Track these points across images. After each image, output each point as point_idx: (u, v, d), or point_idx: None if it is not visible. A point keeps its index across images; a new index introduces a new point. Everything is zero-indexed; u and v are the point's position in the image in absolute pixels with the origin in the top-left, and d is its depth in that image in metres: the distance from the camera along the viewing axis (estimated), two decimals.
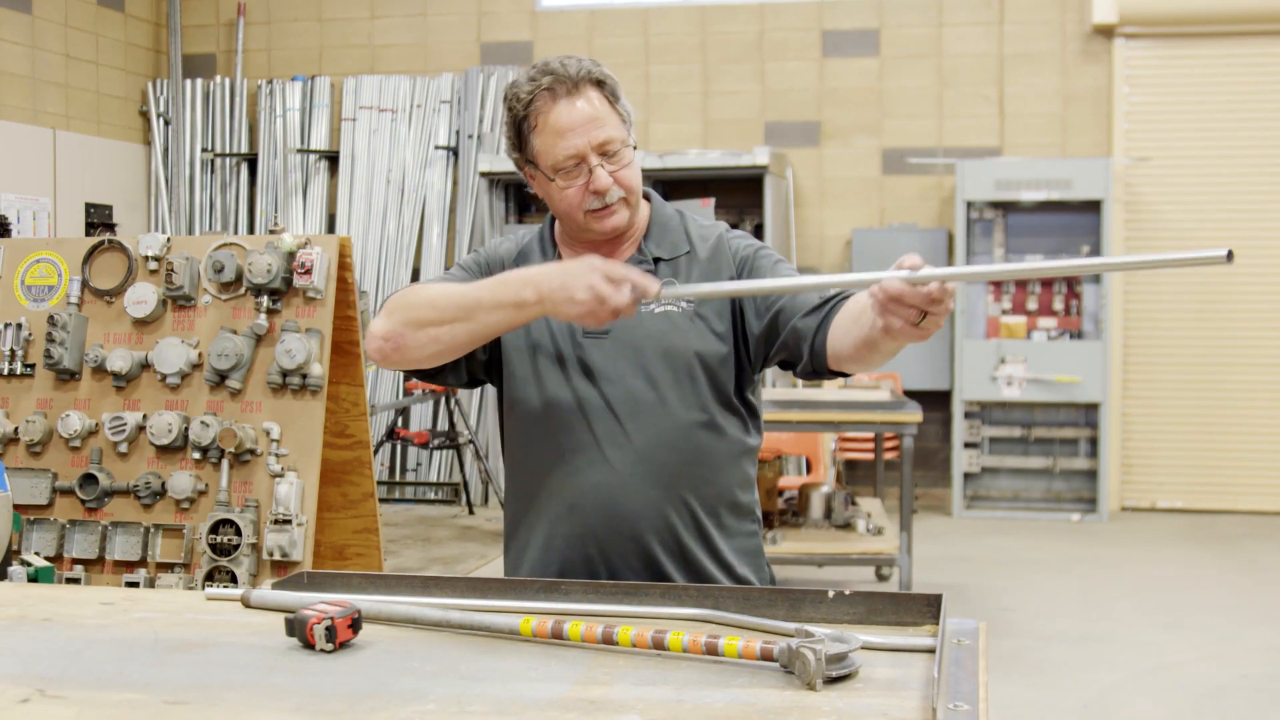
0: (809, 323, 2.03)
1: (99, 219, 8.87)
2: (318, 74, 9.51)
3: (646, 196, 2.22)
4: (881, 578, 6.37)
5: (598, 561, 2.10)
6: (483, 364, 2.20)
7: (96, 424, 3.30)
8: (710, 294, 2.02)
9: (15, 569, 2.83)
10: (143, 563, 3.24)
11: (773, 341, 2.10)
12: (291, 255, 3.23)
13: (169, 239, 3.36)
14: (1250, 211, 8.38)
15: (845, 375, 2.07)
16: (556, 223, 2.24)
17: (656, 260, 2.15)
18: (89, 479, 3.26)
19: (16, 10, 8.26)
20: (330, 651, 1.65)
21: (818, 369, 2.05)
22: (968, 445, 8.30)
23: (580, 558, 2.10)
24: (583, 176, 2.06)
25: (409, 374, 2.21)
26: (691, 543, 2.12)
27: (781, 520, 6.01)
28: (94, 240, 3.40)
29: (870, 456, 8.36)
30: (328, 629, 1.65)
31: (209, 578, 3.16)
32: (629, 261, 2.13)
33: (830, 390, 6.95)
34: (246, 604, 1.89)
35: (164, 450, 3.26)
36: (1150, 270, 1.67)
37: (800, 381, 7.42)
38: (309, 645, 1.66)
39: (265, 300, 3.24)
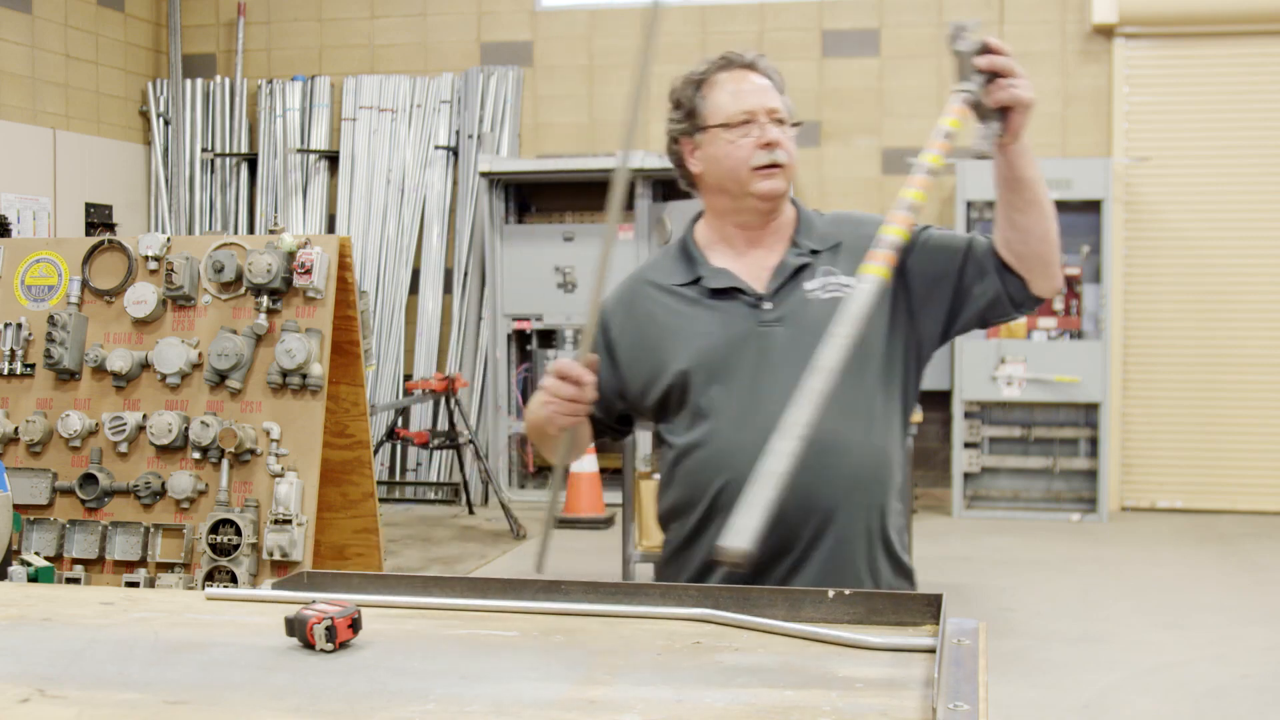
0: (984, 258, 2.24)
1: (99, 219, 8.87)
2: (318, 74, 9.51)
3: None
4: None
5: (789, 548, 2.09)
6: (625, 410, 2.28)
7: (96, 424, 3.30)
8: None
9: (15, 569, 2.83)
10: (143, 563, 3.24)
11: (962, 298, 2.23)
12: (291, 255, 3.23)
13: (169, 239, 3.36)
14: (1250, 211, 8.38)
15: (1039, 299, 2.21)
16: (698, 225, 2.28)
17: (814, 252, 2.21)
18: (89, 479, 3.26)
19: (16, 10, 8.26)
20: (330, 651, 1.65)
21: (1013, 295, 2.20)
22: (968, 445, 8.30)
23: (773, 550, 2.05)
24: (754, 133, 2.15)
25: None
26: (878, 548, 2.13)
27: None
28: (94, 240, 3.40)
29: None
30: (328, 629, 1.65)
31: (209, 578, 3.16)
32: (787, 256, 2.21)
33: None
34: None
35: (164, 450, 3.26)
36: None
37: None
38: (309, 645, 1.66)
39: (265, 300, 3.24)
